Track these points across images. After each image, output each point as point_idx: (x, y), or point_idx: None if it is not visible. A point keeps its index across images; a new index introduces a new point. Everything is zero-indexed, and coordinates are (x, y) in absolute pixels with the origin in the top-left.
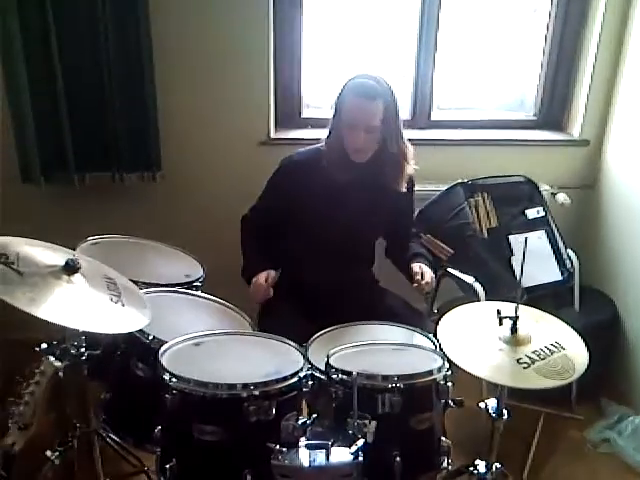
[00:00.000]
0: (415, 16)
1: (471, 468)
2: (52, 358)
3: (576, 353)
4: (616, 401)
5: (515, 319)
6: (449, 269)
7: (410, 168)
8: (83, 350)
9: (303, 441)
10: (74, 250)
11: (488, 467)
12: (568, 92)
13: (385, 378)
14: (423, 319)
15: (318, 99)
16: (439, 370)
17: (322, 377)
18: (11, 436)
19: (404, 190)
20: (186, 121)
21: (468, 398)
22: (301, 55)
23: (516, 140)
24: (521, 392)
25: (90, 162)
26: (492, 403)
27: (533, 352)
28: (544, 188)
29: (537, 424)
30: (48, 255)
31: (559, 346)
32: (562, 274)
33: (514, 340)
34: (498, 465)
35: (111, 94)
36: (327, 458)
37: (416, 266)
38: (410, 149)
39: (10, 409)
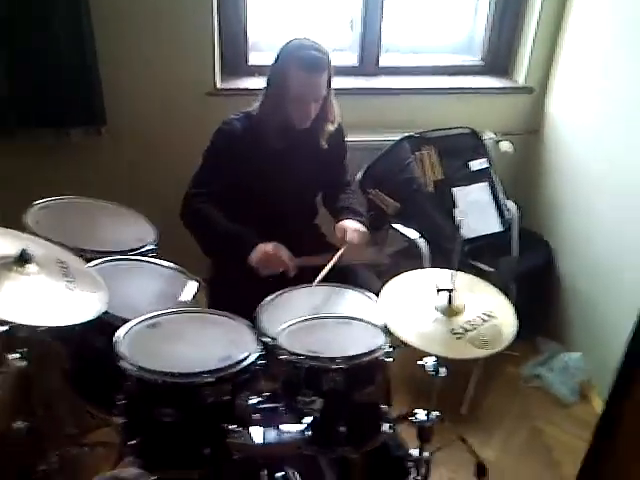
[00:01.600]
0: None
1: (411, 417)
2: (15, 356)
3: (505, 322)
4: (550, 338)
5: (451, 291)
6: (394, 225)
7: (331, 126)
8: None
9: (255, 419)
10: (24, 218)
11: (427, 415)
12: (514, 37)
13: (330, 360)
14: (372, 274)
15: (265, 41)
16: (380, 348)
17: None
18: None
19: (325, 146)
20: (129, 72)
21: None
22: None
23: (462, 88)
24: None
25: (32, 115)
26: (430, 361)
27: (467, 322)
28: (489, 136)
29: (476, 361)
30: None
31: (491, 315)
32: (502, 225)
33: (449, 311)
34: (437, 413)
35: (50, 42)
36: (278, 435)
37: (339, 226)
38: (336, 109)
39: None
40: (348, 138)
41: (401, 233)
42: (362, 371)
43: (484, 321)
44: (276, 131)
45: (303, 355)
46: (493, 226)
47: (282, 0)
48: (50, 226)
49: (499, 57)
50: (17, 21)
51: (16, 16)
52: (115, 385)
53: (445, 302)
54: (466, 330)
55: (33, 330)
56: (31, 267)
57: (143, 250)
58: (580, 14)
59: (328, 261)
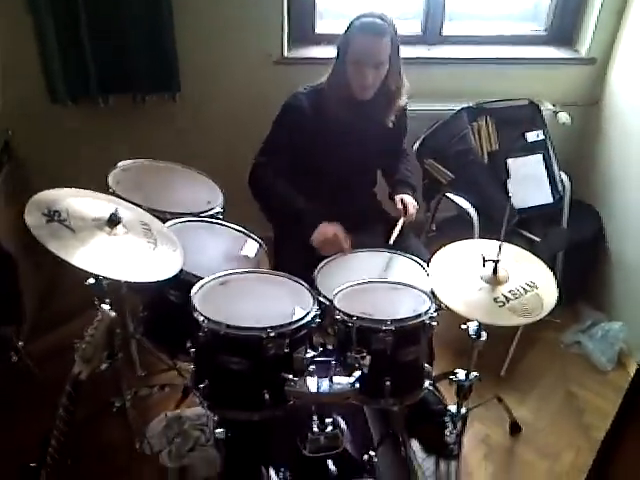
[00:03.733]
0: None
1: (451, 376)
2: (106, 307)
3: (546, 292)
4: (593, 307)
5: (496, 262)
6: (447, 194)
7: (402, 102)
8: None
9: (310, 370)
10: (108, 178)
11: (466, 376)
12: (579, 7)
13: (380, 322)
14: (420, 244)
15: (332, 9)
16: (426, 312)
17: (327, 302)
18: (77, 366)
19: (391, 125)
20: (202, 41)
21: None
22: None
23: (524, 59)
24: None
25: (112, 83)
26: (473, 325)
27: (509, 291)
28: (547, 107)
29: (517, 326)
30: (93, 207)
31: (533, 285)
32: (553, 197)
33: (494, 280)
34: (475, 374)
35: (130, 16)
36: (330, 385)
37: (398, 199)
38: (406, 85)
39: (75, 345)
40: (408, 107)
41: (453, 202)
42: (408, 333)
43: (526, 291)
44: (340, 102)
45: (355, 316)
46: (544, 197)
47: None
48: (129, 187)
49: (563, 27)
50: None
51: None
52: (183, 334)
53: (490, 272)
54: (508, 299)
55: (118, 284)
56: (120, 228)
57: (212, 212)
58: None
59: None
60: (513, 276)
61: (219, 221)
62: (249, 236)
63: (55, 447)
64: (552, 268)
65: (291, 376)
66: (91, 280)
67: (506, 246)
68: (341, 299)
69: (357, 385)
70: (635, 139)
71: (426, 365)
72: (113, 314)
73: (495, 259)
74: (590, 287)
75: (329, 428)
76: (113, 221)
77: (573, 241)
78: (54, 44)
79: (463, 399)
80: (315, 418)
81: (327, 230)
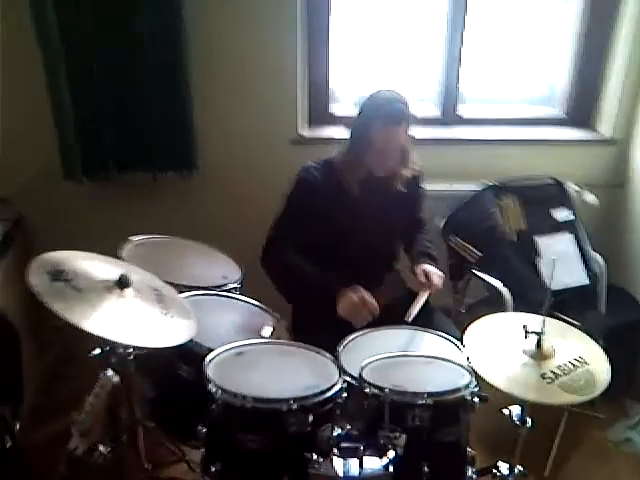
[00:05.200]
0: (443, 11)
1: (494, 470)
2: (110, 372)
3: (599, 369)
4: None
5: (540, 334)
6: (476, 272)
7: (408, 171)
8: (130, 350)
9: (337, 451)
10: (120, 252)
11: (511, 470)
12: (596, 88)
13: (415, 395)
14: (449, 320)
15: (347, 94)
16: (467, 387)
17: (353, 382)
18: (74, 441)
19: (403, 190)
20: (220, 120)
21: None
22: (329, 54)
23: (544, 139)
24: None
25: (130, 161)
26: (516, 410)
27: (557, 367)
28: (572, 187)
29: (560, 422)
30: (101, 269)
31: (583, 361)
32: (589, 278)
33: (539, 354)
34: (520, 468)
35: (149, 94)
36: (360, 467)
37: (419, 270)
38: (413, 155)
39: (73, 417)
40: (430, 187)
41: (483, 281)
42: (447, 409)
43: (575, 367)
44: (357, 180)
45: (387, 388)
46: (579, 278)
47: (363, 53)
48: (141, 261)
49: (581, 108)
50: (117, 79)
51: (117, 65)
52: (195, 416)
53: (534, 346)
54: (557, 375)
55: (124, 357)
56: (129, 291)
57: (228, 287)
58: None
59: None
60: (559, 351)
61: (235, 295)
62: (267, 311)
63: None
64: None
65: (315, 456)
66: (97, 351)
67: (549, 320)
68: (370, 372)
69: (391, 469)
70: None
71: (469, 449)
72: (116, 379)
73: (538, 331)
74: (635, 379)
75: None
76: (122, 283)
77: (613, 327)
78: (71, 121)
79: None
80: None
81: (352, 297)
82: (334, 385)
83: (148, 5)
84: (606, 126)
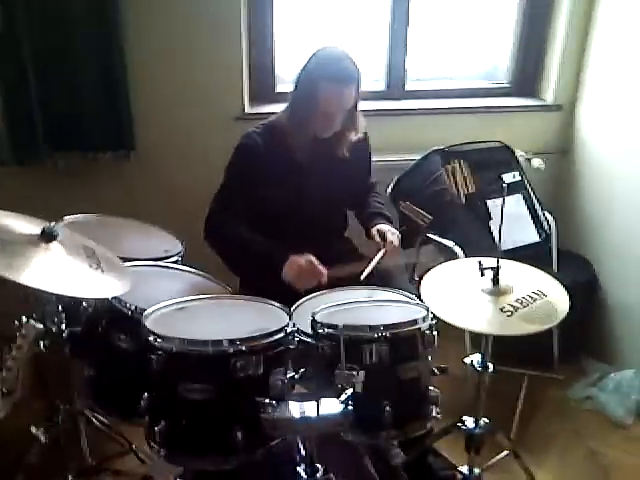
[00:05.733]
0: None
1: (459, 424)
2: (33, 321)
3: (557, 298)
4: (597, 360)
5: (496, 269)
6: (429, 235)
7: (354, 135)
8: (64, 327)
9: (292, 395)
10: None
11: (476, 422)
12: (540, 58)
13: (371, 328)
14: (405, 282)
15: (291, 73)
16: (424, 320)
17: (308, 340)
18: None
19: (347, 155)
20: (159, 98)
21: (451, 365)
22: (273, 29)
23: (490, 107)
24: (503, 356)
25: (62, 142)
26: (477, 358)
27: (516, 300)
28: (519, 154)
29: (520, 387)
30: (25, 225)
31: (541, 293)
32: (540, 235)
33: (496, 291)
34: (486, 420)
35: (82, 72)
36: (317, 409)
37: (374, 231)
38: (361, 119)
39: None
40: (377, 158)
41: (437, 244)
42: (405, 343)
43: (534, 299)
44: (302, 144)
45: (342, 325)
46: (531, 236)
47: (307, 33)
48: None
49: (525, 79)
50: (50, 53)
51: (49, 48)
52: (139, 391)
53: (490, 283)
54: (516, 308)
55: (58, 336)
56: (56, 245)
57: (169, 260)
58: (605, 31)
59: (365, 265)
60: (517, 287)
61: (177, 266)
62: (211, 280)
63: None
64: None
65: (267, 401)
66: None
67: (503, 262)
68: (323, 316)
69: (350, 407)
70: (613, 184)
71: (432, 388)
72: (40, 326)
73: (494, 266)
74: (591, 339)
75: (319, 474)
76: (47, 235)
77: (565, 287)
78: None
79: (475, 453)
80: (302, 465)
81: (299, 260)
82: (285, 327)
83: None
84: (550, 93)
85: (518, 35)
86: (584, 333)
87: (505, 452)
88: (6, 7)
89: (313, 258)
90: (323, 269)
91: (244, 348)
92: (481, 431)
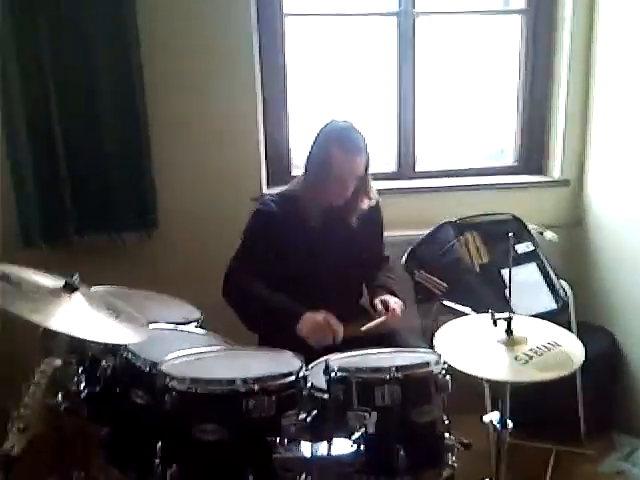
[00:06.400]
0: (393, 77)
1: None
2: (52, 358)
3: (572, 348)
4: (626, 433)
5: (509, 319)
6: (445, 302)
7: (366, 203)
8: (82, 387)
9: (304, 435)
10: None
11: None
12: (544, 137)
13: (383, 370)
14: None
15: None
16: (436, 363)
17: (323, 396)
18: (11, 439)
19: (355, 224)
20: (180, 180)
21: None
22: (288, 118)
23: (499, 184)
24: (528, 432)
25: (89, 224)
26: (495, 416)
27: (530, 350)
28: (531, 227)
29: (548, 463)
30: (49, 280)
31: (555, 344)
32: (557, 303)
33: (510, 341)
34: None
35: (110, 159)
36: (329, 448)
37: (377, 301)
38: (372, 187)
39: (11, 413)
40: (388, 234)
41: (453, 310)
42: (417, 385)
43: (549, 349)
44: (315, 210)
45: (354, 368)
46: (547, 304)
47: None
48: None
49: (532, 158)
50: (73, 138)
51: (73, 132)
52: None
53: (504, 333)
54: (530, 357)
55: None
56: (78, 297)
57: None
58: (604, 106)
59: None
60: (531, 338)
61: (194, 329)
62: (227, 342)
63: None
64: (574, 397)
65: (279, 440)
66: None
67: (517, 318)
68: (337, 361)
69: (361, 447)
70: (630, 254)
71: (447, 435)
72: (58, 362)
73: (507, 317)
74: (618, 412)
75: None
76: (70, 287)
77: (588, 358)
78: (31, 187)
79: None
80: None
81: (315, 315)
82: (298, 370)
83: (105, 68)
84: (556, 169)
85: (522, 116)
86: (611, 406)
87: None
88: (37, 87)
89: (330, 315)
90: (339, 326)
91: (256, 388)
92: None
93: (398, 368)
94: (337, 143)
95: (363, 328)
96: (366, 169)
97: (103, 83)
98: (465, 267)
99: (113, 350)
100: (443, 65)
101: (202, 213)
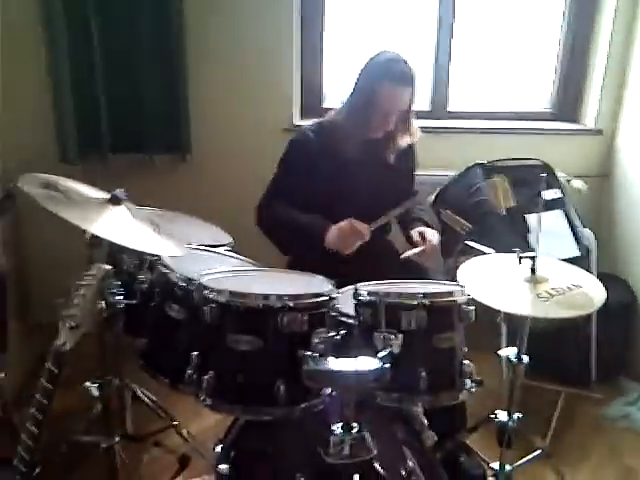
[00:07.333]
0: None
1: (492, 416)
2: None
3: (593, 290)
4: (635, 380)
5: (534, 258)
6: (468, 243)
7: (407, 140)
8: (121, 298)
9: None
10: None
11: (509, 416)
12: (582, 84)
13: (411, 296)
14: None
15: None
16: (461, 293)
17: (350, 321)
18: (62, 336)
19: (392, 160)
20: (216, 108)
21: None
22: (322, 51)
23: (532, 129)
24: (539, 374)
25: (124, 143)
26: (512, 351)
27: (552, 289)
28: (560, 175)
29: (556, 404)
30: (93, 192)
31: (577, 285)
32: (580, 250)
33: (533, 279)
34: (519, 414)
35: (146, 80)
36: (355, 365)
37: (414, 232)
38: (416, 126)
39: (60, 313)
40: (421, 172)
41: (476, 251)
42: (442, 312)
43: (570, 289)
44: (353, 141)
45: (383, 292)
46: (571, 251)
47: (354, 53)
48: None
49: (567, 104)
50: (113, 64)
51: (113, 57)
52: (184, 359)
53: (528, 271)
54: (552, 295)
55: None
56: (122, 209)
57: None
58: None
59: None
60: (553, 278)
61: (225, 252)
62: (258, 265)
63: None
64: (587, 343)
65: (309, 353)
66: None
67: (541, 258)
68: (365, 286)
69: (387, 364)
70: None
71: (466, 362)
72: (108, 267)
73: (532, 255)
74: (629, 360)
75: (354, 430)
76: (116, 199)
77: (606, 307)
78: (70, 107)
79: (507, 447)
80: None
81: (339, 224)
82: (330, 292)
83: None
84: (591, 118)
85: (560, 64)
86: (622, 354)
87: (538, 451)
88: (82, 18)
89: (353, 220)
90: (363, 226)
91: (291, 304)
92: (514, 425)
93: (425, 295)
94: (385, 73)
95: (402, 256)
96: (410, 104)
97: (144, 10)
98: (491, 209)
99: (150, 265)
100: (485, 7)
101: (234, 141)
